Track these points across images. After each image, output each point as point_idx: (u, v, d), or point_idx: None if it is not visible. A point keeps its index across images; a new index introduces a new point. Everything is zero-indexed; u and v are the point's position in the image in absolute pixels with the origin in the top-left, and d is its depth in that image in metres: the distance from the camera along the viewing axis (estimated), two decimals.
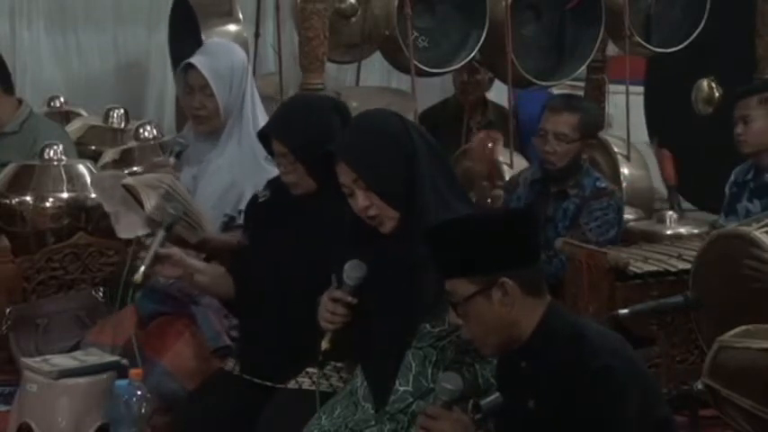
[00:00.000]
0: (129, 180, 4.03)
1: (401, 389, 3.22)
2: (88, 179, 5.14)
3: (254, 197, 3.91)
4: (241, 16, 6.67)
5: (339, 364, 3.58)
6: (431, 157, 3.28)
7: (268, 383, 3.67)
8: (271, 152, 3.77)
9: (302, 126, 3.61)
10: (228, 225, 4.14)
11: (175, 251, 3.74)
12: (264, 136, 3.77)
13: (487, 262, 2.83)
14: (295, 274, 3.58)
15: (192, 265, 3.76)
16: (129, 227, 4.04)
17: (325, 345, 3.28)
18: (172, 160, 4.27)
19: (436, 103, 7.00)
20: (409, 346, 3.22)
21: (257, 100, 4.34)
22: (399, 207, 3.24)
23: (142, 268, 3.69)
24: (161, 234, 3.73)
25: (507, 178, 5.47)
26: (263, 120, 4.29)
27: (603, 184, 4.94)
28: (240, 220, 4.10)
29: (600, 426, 2.75)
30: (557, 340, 2.84)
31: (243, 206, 4.09)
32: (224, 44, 5.05)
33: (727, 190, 5.20)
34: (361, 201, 3.25)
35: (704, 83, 6.13)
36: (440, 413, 2.92)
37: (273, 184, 3.89)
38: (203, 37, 6.28)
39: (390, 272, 3.23)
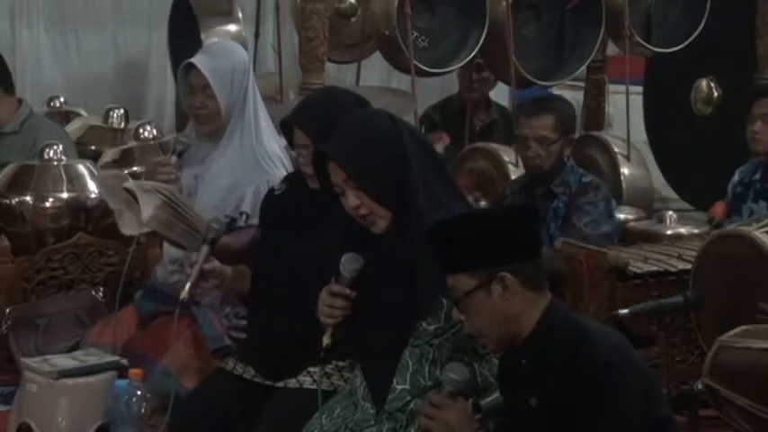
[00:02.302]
0: (130, 184, 4.04)
1: (399, 387, 3.22)
2: (88, 179, 5.15)
3: (271, 190, 3.93)
4: (241, 16, 6.67)
5: (341, 363, 3.58)
6: (423, 156, 3.29)
7: (268, 383, 3.67)
8: (290, 141, 3.77)
9: (326, 118, 3.58)
10: (230, 227, 4.13)
11: (217, 264, 3.78)
12: (286, 125, 3.77)
13: (487, 257, 2.86)
14: (306, 267, 3.59)
15: (229, 274, 3.80)
16: (130, 224, 4.07)
17: (326, 340, 3.29)
18: (174, 159, 4.27)
19: (439, 101, 7.00)
20: (407, 345, 3.23)
21: (259, 100, 4.33)
22: (391, 207, 3.24)
23: (188, 285, 3.73)
24: (205, 250, 3.77)
25: (513, 177, 5.46)
26: (264, 120, 4.29)
27: (588, 179, 4.90)
28: (241, 222, 4.10)
29: (599, 422, 2.75)
30: (557, 337, 2.85)
31: (244, 208, 4.09)
32: (225, 44, 5.05)
33: (730, 189, 5.19)
34: (352, 200, 3.26)
35: (703, 83, 6.13)
36: (444, 402, 2.94)
37: (290, 178, 3.91)
38: (203, 37, 6.29)
39: (385, 271, 3.24)
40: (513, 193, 5.05)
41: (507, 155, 5.69)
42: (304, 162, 3.69)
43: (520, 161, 5.62)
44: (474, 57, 5.92)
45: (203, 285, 3.80)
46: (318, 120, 3.63)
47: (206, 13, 6.49)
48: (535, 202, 4.84)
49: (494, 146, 5.86)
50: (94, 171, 5.18)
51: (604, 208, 4.83)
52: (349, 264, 3.28)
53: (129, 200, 4.02)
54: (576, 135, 6.18)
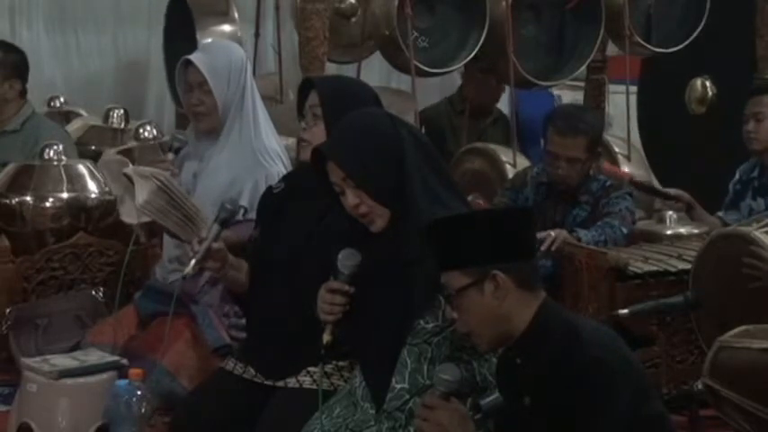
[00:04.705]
0: (128, 170, 4.08)
1: (398, 386, 3.23)
2: (88, 179, 5.15)
3: (269, 189, 3.93)
4: (237, 16, 6.68)
5: (341, 363, 3.58)
6: (422, 155, 3.30)
7: (268, 383, 3.67)
8: (300, 109, 3.78)
9: (343, 92, 3.62)
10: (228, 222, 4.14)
11: (224, 246, 3.77)
12: (304, 86, 3.78)
13: (480, 255, 2.87)
14: (304, 265, 3.59)
15: (231, 260, 3.80)
16: (131, 212, 4.10)
17: (326, 338, 3.29)
18: (170, 156, 4.29)
19: (439, 102, 6.98)
20: (405, 344, 3.23)
21: (257, 97, 4.34)
22: (389, 205, 3.25)
23: (193, 261, 3.71)
24: (215, 228, 3.75)
25: (510, 178, 5.46)
26: (263, 117, 4.30)
27: (610, 182, 4.95)
28: (240, 217, 4.10)
29: (589, 419, 2.76)
30: (550, 336, 2.86)
31: (242, 202, 4.10)
32: (222, 43, 5.09)
33: (730, 188, 5.21)
34: (351, 199, 3.26)
35: (698, 82, 6.13)
36: (437, 403, 2.94)
37: (289, 177, 3.91)
38: (198, 37, 6.30)
39: (384, 270, 3.24)
40: (533, 182, 5.00)
41: (505, 155, 5.69)
42: (305, 126, 3.70)
43: (517, 161, 5.64)
44: (476, 58, 5.92)
45: (207, 265, 3.79)
46: (335, 87, 3.67)
47: (202, 12, 6.50)
48: (555, 204, 4.85)
49: (491, 146, 5.86)
50: (95, 171, 5.19)
51: (631, 202, 4.85)
52: (346, 260, 3.29)
53: (129, 187, 4.04)
54: None
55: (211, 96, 4.22)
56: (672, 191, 5.36)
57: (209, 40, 6.13)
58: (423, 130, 6.34)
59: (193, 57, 4.28)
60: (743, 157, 5.22)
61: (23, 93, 5.78)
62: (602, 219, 4.76)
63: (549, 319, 2.89)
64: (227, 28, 6.54)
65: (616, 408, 2.77)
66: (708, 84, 6.04)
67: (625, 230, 4.76)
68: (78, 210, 5.09)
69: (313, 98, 3.67)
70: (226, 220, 3.78)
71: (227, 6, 6.63)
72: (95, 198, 5.11)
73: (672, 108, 6.59)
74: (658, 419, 2.90)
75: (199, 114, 4.28)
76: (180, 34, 6.54)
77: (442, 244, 2.92)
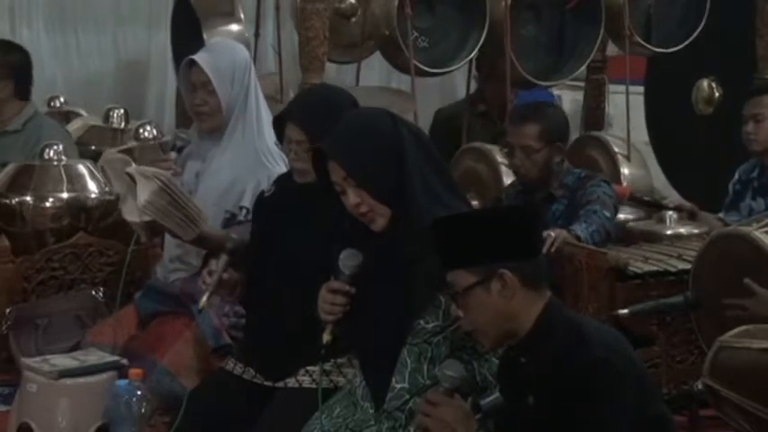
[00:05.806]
0: (131, 169, 4.10)
1: (398, 386, 3.23)
2: (88, 179, 5.16)
3: (261, 193, 3.93)
4: (243, 16, 6.68)
5: (340, 360, 3.58)
6: (423, 155, 3.30)
7: (268, 383, 3.67)
8: (280, 137, 3.77)
9: (323, 115, 3.58)
10: (230, 222, 4.15)
11: (235, 275, 3.76)
12: (280, 120, 3.78)
13: (487, 253, 2.87)
14: (300, 266, 3.59)
15: (242, 278, 3.80)
16: (132, 210, 4.10)
17: (326, 337, 3.29)
18: (173, 155, 4.29)
19: (457, 102, 6.93)
20: (405, 343, 3.23)
21: (261, 98, 4.35)
22: (390, 204, 3.25)
23: (206, 296, 3.70)
24: (224, 259, 3.74)
25: (505, 178, 5.46)
26: (266, 117, 4.30)
27: (584, 173, 4.89)
28: (241, 217, 4.11)
29: (591, 418, 2.76)
30: (555, 335, 2.86)
31: (244, 203, 4.11)
32: (226, 42, 5.09)
33: (730, 188, 5.21)
34: (352, 198, 3.27)
35: (704, 83, 6.13)
36: (441, 400, 2.94)
37: (281, 180, 3.91)
38: (206, 37, 6.29)
39: (384, 269, 3.24)
40: (509, 198, 5.03)
41: (500, 156, 5.68)
42: (296, 158, 3.70)
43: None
44: (477, 57, 5.90)
45: (220, 293, 3.80)
46: (315, 116, 3.63)
47: (208, 13, 6.50)
48: (534, 206, 4.83)
49: (487, 146, 5.86)
50: (95, 171, 5.19)
51: (609, 189, 4.77)
52: (348, 260, 3.29)
53: (132, 185, 4.05)
54: (577, 135, 6.20)
55: (215, 96, 4.23)
56: (672, 201, 5.37)
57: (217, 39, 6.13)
58: (440, 129, 6.37)
59: (197, 57, 4.28)
60: (743, 157, 5.23)
61: (20, 93, 5.76)
62: (583, 208, 4.72)
63: (554, 319, 2.90)
64: (234, 28, 6.54)
65: (619, 408, 2.77)
66: (714, 84, 6.05)
67: (608, 214, 4.71)
68: (78, 210, 5.09)
69: (295, 133, 3.67)
70: (233, 251, 3.77)
71: (233, 6, 6.63)
72: (95, 198, 5.11)
73: (676, 108, 6.60)
74: (661, 421, 2.90)
75: (202, 114, 4.29)
76: (187, 36, 6.54)
77: (448, 242, 2.92)
